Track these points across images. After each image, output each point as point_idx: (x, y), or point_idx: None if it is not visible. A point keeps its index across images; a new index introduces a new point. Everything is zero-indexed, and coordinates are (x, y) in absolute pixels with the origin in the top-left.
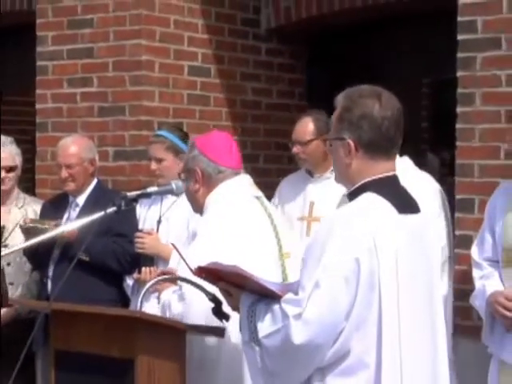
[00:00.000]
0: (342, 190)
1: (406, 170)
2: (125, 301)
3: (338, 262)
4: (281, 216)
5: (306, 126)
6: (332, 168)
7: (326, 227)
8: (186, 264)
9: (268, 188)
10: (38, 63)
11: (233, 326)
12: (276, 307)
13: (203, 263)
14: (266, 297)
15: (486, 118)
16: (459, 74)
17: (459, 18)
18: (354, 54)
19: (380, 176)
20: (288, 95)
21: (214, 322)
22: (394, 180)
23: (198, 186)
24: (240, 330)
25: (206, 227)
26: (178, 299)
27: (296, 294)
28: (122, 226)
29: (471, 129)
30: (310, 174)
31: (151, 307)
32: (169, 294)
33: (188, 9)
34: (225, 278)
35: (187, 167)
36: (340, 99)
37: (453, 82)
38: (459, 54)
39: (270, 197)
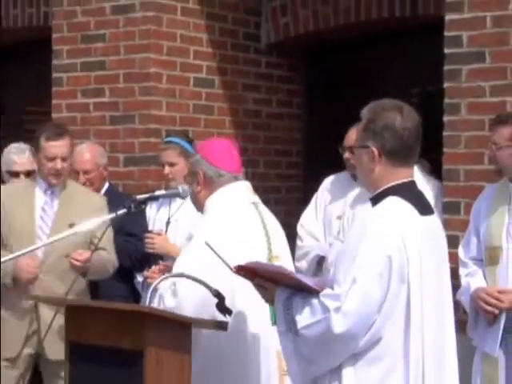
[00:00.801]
0: None
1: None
2: (136, 296)
3: (373, 260)
4: (275, 221)
5: None
6: None
7: (358, 229)
8: (224, 261)
9: (267, 191)
10: (54, 75)
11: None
12: (314, 301)
13: (201, 263)
14: (300, 291)
15: (471, 126)
16: (446, 85)
17: (446, 33)
18: (349, 67)
19: (401, 181)
20: (287, 105)
21: (204, 316)
22: (413, 185)
23: (199, 188)
24: (275, 322)
25: (205, 229)
26: (172, 294)
27: (331, 289)
28: (133, 226)
29: (457, 136)
30: (354, 177)
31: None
32: (165, 287)
33: (193, 24)
34: (260, 275)
35: (191, 170)
36: (365, 112)
37: (440, 92)
38: (446, 67)
39: (267, 199)
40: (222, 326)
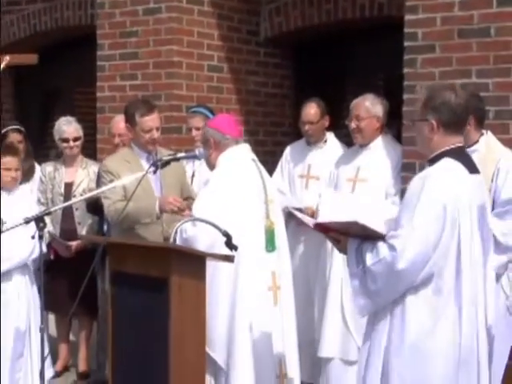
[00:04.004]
0: (332, 155)
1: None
2: None
3: (431, 207)
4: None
5: (315, 110)
6: (325, 139)
7: (419, 182)
8: (302, 218)
9: (266, 154)
10: (98, 63)
11: None
12: (380, 243)
13: (216, 207)
14: (367, 239)
15: None
16: (405, 70)
17: (405, 30)
18: (328, 56)
19: (453, 146)
20: (280, 86)
21: (218, 240)
22: (463, 149)
23: (211, 151)
24: (348, 265)
25: (217, 178)
26: (192, 225)
27: (395, 230)
28: None
29: (414, 111)
30: (308, 143)
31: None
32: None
33: (207, 23)
34: (332, 230)
35: (204, 139)
36: (424, 91)
37: (401, 76)
38: (405, 56)
39: (265, 160)
40: (229, 259)
